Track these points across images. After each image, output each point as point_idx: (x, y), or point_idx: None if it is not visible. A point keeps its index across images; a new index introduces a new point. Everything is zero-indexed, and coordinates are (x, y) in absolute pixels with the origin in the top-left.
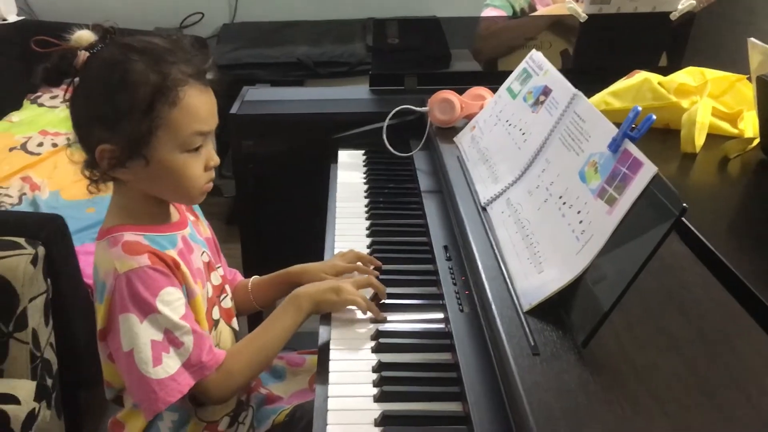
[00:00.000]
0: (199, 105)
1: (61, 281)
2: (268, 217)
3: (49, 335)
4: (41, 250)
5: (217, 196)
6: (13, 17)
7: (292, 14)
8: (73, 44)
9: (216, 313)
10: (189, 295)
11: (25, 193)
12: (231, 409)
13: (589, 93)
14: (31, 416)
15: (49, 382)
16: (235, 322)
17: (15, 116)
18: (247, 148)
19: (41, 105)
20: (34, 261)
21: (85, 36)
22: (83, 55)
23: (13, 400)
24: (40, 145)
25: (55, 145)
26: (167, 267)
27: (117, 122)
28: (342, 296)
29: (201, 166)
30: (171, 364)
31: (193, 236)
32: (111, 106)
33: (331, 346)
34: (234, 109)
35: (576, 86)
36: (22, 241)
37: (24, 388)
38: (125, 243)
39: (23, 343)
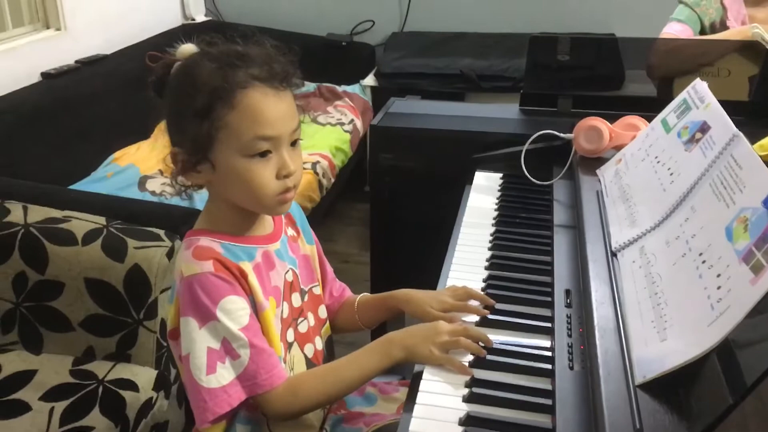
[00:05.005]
0: (262, 108)
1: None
2: (400, 232)
3: None
4: (178, 243)
5: (367, 203)
6: (201, 17)
7: (462, 25)
8: (177, 57)
9: (291, 336)
10: (257, 309)
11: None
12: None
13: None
14: (148, 404)
15: (173, 372)
16: (308, 348)
17: None
18: (384, 161)
19: None
20: (169, 254)
21: (187, 49)
22: (177, 65)
23: (132, 386)
24: None
25: None
26: (232, 275)
27: (183, 125)
28: (434, 354)
29: (271, 174)
30: (225, 375)
31: (281, 253)
32: (178, 109)
33: (420, 387)
34: (375, 120)
35: (756, 122)
36: (161, 233)
37: (144, 376)
38: (197, 247)
39: (151, 332)
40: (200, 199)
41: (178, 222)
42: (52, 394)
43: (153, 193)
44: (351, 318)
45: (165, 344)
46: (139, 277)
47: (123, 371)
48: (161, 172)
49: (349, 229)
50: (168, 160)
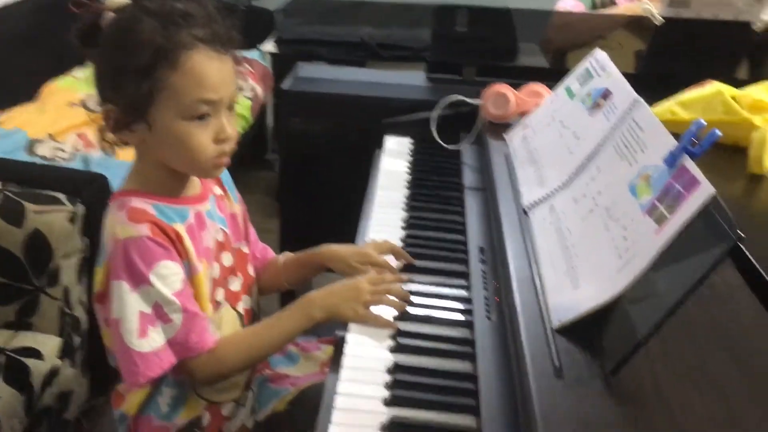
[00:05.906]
0: (206, 71)
1: (99, 241)
2: (311, 197)
3: (81, 294)
4: (80, 208)
5: (268, 170)
6: None
7: None
8: (107, 6)
9: (220, 295)
10: (191, 272)
11: (79, 150)
12: (236, 396)
13: (657, 100)
14: (53, 372)
15: (77, 340)
16: (241, 306)
17: (79, 72)
18: (294, 125)
19: None
20: (72, 219)
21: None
22: (109, 16)
23: (36, 354)
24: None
25: None
26: (168, 239)
27: (119, 83)
28: (359, 312)
29: (209, 137)
30: (156, 339)
31: (211, 213)
32: (115, 66)
33: (347, 340)
34: (285, 85)
35: (644, 91)
36: (62, 197)
37: (49, 344)
38: (131, 209)
39: (54, 299)
40: (98, 163)
41: (80, 186)
42: None
43: (44, 158)
44: (276, 278)
45: (68, 311)
46: (40, 242)
47: (25, 339)
48: (51, 137)
49: (251, 197)
50: (96, 116)
